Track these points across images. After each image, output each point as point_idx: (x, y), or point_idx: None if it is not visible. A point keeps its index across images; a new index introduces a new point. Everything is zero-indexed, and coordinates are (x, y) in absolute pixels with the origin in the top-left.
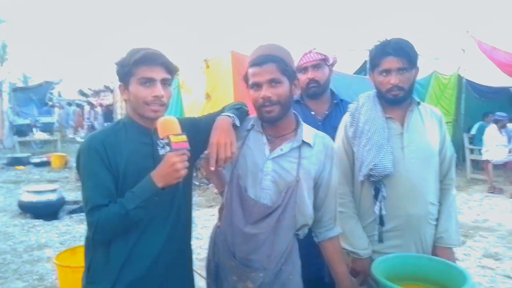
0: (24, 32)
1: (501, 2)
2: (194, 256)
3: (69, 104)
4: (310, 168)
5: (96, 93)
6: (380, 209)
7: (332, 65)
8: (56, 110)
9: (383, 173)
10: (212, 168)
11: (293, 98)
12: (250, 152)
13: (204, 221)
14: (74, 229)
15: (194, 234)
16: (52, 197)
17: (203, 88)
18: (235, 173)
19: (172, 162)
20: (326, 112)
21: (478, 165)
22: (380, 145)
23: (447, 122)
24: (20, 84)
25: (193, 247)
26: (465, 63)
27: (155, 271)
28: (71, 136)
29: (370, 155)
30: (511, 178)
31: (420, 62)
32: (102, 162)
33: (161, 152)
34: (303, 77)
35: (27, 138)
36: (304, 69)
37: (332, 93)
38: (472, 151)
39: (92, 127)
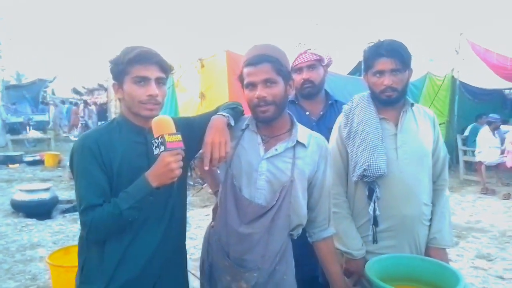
0: (20, 30)
1: (495, 5)
2: (188, 256)
3: (63, 102)
4: (305, 169)
5: (90, 92)
6: (374, 210)
7: (327, 65)
8: (51, 108)
9: (377, 173)
10: (206, 168)
11: (288, 98)
12: (245, 152)
13: (198, 221)
14: (67, 229)
15: (188, 234)
16: (45, 196)
17: (198, 87)
18: (229, 173)
19: (167, 162)
20: (321, 113)
21: (471, 167)
22: (374, 146)
23: (440, 124)
24: (13, 82)
25: (187, 247)
26: (458, 65)
27: (149, 271)
28: (64, 134)
29: (364, 155)
30: (503, 180)
31: (414, 64)
32: (96, 161)
33: (156, 151)
34: (298, 78)
35: (20, 137)
36: (299, 70)
37: (327, 93)
38: (465, 152)
39: (86, 126)
